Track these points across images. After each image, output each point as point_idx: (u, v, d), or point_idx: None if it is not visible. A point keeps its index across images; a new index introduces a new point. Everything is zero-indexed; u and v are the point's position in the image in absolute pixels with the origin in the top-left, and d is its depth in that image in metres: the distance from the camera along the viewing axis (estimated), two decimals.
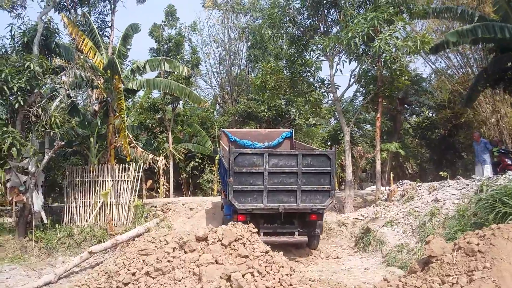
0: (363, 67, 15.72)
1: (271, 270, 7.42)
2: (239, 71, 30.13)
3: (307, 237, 10.44)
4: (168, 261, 7.67)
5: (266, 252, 7.80)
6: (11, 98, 11.86)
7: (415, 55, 14.89)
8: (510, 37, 13.61)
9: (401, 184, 14.28)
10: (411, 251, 9.35)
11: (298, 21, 16.22)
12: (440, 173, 14.55)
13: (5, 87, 11.31)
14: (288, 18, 16.03)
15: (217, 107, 31.38)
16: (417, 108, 27.25)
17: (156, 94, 24.98)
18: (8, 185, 13.06)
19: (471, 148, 18.88)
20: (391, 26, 13.41)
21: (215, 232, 8.29)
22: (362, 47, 14.36)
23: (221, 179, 13.32)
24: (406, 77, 15.19)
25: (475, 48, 21.98)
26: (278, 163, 9.83)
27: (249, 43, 27.91)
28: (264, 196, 9.73)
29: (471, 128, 22.60)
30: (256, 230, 8.45)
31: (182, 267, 7.53)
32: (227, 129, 15.30)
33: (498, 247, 5.62)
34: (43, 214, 12.92)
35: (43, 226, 12.65)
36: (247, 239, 8.20)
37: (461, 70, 24.30)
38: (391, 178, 18.09)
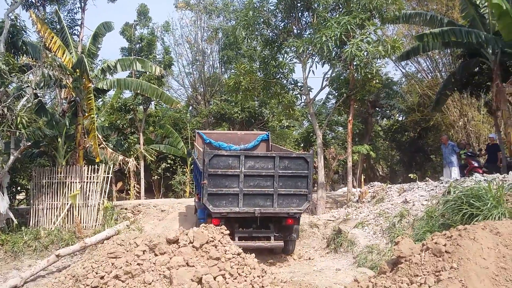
0: (336, 70, 15.88)
1: (242, 272, 7.38)
2: (212, 72, 30.01)
3: (283, 242, 10.15)
4: (138, 264, 7.53)
5: (238, 254, 7.76)
6: None
7: (386, 61, 15.16)
8: (477, 42, 14.00)
9: (371, 186, 14.49)
10: (381, 252, 9.48)
11: (272, 23, 16.25)
12: (409, 175, 14.84)
13: None
14: (262, 19, 16.04)
15: (190, 108, 31.15)
16: (388, 111, 27.70)
17: (127, 94, 24.65)
18: None
19: (439, 151, 19.31)
20: (362, 31, 13.59)
21: (187, 234, 8.19)
22: (335, 50, 14.51)
23: (195, 182, 13.02)
24: (377, 81, 15.43)
25: (444, 53, 22.57)
26: (255, 166, 9.55)
27: (221, 44, 27.84)
28: (239, 199, 9.46)
29: (440, 131, 23.15)
30: (228, 232, 8.38)
31: (153, 270, 7.40)
32: (202, 131, 15.01)
33: (465, 247, 5.73)
34: (11, 215, 12.53)
35: (9, 228, 12.24)
36: (219, 241, 8.13)
37: (430, 74, 24.94)
38: (362, 180, 18.32)
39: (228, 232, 8.33)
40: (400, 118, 28.47)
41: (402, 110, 26.04)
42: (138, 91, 17.09)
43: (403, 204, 11.14)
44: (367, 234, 10.70)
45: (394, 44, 13.66)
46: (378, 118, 28.32)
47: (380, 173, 32.11)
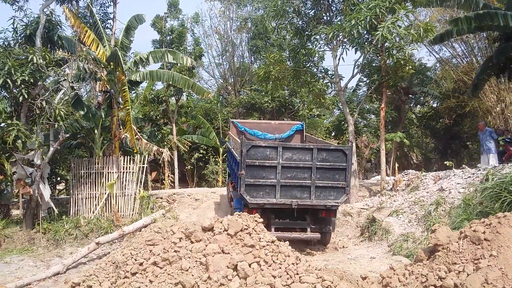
0: (367, 56, 15.64)
1: (277, 259, 7.44)
2: (241, 62, 30.04)
3: (319, 233, 10.07)
4: (175, 251, 7.71)
5: (272, 242, 7.83)
6: (15, 91, 11.84)
7: (418, 44, 14.78)
8: None
9: (406, 174, 14.28)
10: (417, 240, 9.37)
11: (302, 11, 16.12)
12: (445, 162, 14.52)
13: (8, 80, 11.29)
14: (291, 8, 15.94)
15: (220, 98, 31.35)
16: (421, 98, 27.07)
17: (159, 86, 25.03)
18: (14, 177, 13.16)
19: (476, 138, 18.79)
20: (393, 15, 13.32)
21: (221, 222, 8.31)
22: (366, 36, 14.29)
23: (230, 171, 13.01)
24: (410, 67, 15.10)
25: (480, 37, 21.81)
26: (292, 157, 9.47)
27: (251, 34, 27.79)
28: (276, 190, 9.40)
29: (476, 118, 22.50)
30: (261, 220, 8.45)
31: (189, 257, 7.57)
32: (236, 120, 14.99)
33: (505, 235, 5.62)
34: (52, 204, 13.07)
35: (51, 217, 12.72)
36: (253, 229, 8.22)
37: (465, 59, 24.16)
38: (396, 168, 18.02)
39: (262, 220, 8.41)
40: (435, 105, 27.79)
41: (437, 96, 25.39)
42: (170, 83, 17.32)
43: (439, 192, 10.95)
44: (402, 223, 10.59)
45: (426, 27, 13.33)
46: (411, 105, 27.71)
47: (414, 161, 31.52)
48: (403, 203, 11.55)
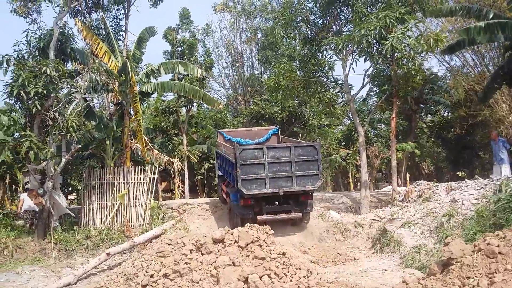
0: (377, 66, 15.63)
1: (288, 272, 7.42)
2: (252, 72, 30.15)
3: (301, 213, 11.90)
4: (186, 263, 7.73)
5: (283, 254, 7.81)
6: (28, 102, 12.00)
7: (429, 54, 14.73)
8: None
9: (417, 184, 14.14)
10: (429, 252, 9.25)
11: (311, 20, 16.20)
12: (457, 173, 14.37)
13: (22, 92, 11.45)
14: (300, 18, 16.03)
15: (230, 108, 31.46)
16: (432, 107, 26.90)
17: (170, 96, 25.20)
18: (26, 187, 13.30)
19: (488, 147, 18.60)
20: (403, 25, 13.32)
21: (232, 234, 8.33)
22: (375, 46, 14.31)
23: (223, 173, 14.38)
24: (421, 77, 15.06)
25: (491, 46, 21.67)
26: (275, 155, 11.50)
27: (260, 44, 27.92)
28: (266, 182, 11.31)
29: (488, 127, 22.27)
30: (272, 232, 8.56)
31: (200, 269, 7.58)
32: (222, 130, 16.95)
33: None
34: (69, 211, 13.34)
35: (62, 228, 12.80)
36: (263, 241, 8.22)
37: (476, 68, 23.99)
38: (407, 178, 17.90)
39: (272, 232, 8.46)
40: (446, 114, 27.58)
41: (448, 105, 25.21)
42: (181, 93, 17.42)
43: (452, 203, 10.82)
44: (414, 234, 10.47)
45: (436, 37, 13.31)
46: (422, 114, 27.54)
47: (425, 171, 31.28)
48: (415, 214, 11.43)
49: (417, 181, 15.04)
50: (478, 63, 23.69)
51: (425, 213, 11.10)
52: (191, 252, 8.04)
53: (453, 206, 10.53)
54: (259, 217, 11.45)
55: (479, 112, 21.62)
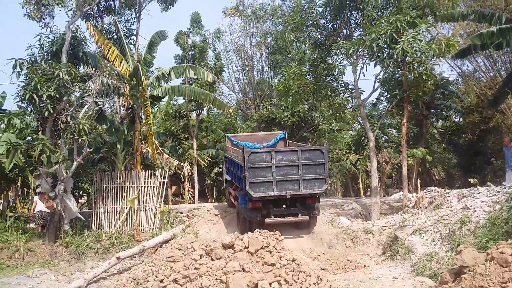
0: (387, 70, 15.56)
1: (298, 278, 7.39)
2: (262, 76, 30.18)
3: (308, 217, 12.08)
4: (195, 268, 7.73)
5: (293, 261, 7.78)
6: (40, 106, 12.11)
7: (440, 59, 14.62)
8: None
9: (428, 191, 14.00)
10: (440, 260, 9.14)
11: (321, 25, 16.18)
12: (469, 179, 14.20)
13: (35, 95, 11.56)
14: (310, 22, 16.01)
15: (240, 112, 31.49)
16: (443, 112, 26.69)
17: (180, 100, 25.30)
18: (37, 190, 13.40)
19: (500, 154, 18.38)
20: (414, 29, 13.25)
21: (242, 239, 8.32)
22: (386, 50, 14.25)
23: (231, 176, 14.56)
24: (432, 81, 14.95)
25: (503, 50, 21.48)
26: (283, 159, 11.65)
27: (269, 48, 27.96)
28: (274, 185, 11.46)
29: (501, 133, 22.03)
30: (281, 237, 8.54)
31: (209, 275, 7.57)
32: (230, 134, 17.10)
33: None
34: (79, 214, 13.42)
35: (73, 231, 12.87)
36: (273, 247, 8.20)
37: (488, 73, 23.78)
38: (418, 185, 17.73)
39: (281, 237, 8.43)
40: (457, 120, 27.34)
41: (459, 111, 25.00)
42: (192, 98, 17.47)
43: (463, 210, 10.69)
44: (425, 242, 10.36)
45: (448, 42, 13.21)
46: (433, 119, 27.35)
47: (436, 177, 31.02)
48: (426, 221, 11.32)
49: (428, 188, 14.90)
50: (490, 67, 23.50)
51: (437, 220, 10.98)
52: (201, 257, 8.04)
53: (465, 214, 10.41)
54: (267, 220, 11.65)
55: (491, 118, 21.41)
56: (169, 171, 15.03)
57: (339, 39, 15.59)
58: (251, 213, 11.86)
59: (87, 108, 13.10)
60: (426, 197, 13.34)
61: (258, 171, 11.48)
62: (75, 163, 12.93)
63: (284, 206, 12.05)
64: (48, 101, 11.81)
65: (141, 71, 13.81)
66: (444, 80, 24.46)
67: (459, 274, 6.31)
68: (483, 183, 14.68)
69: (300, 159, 11.64)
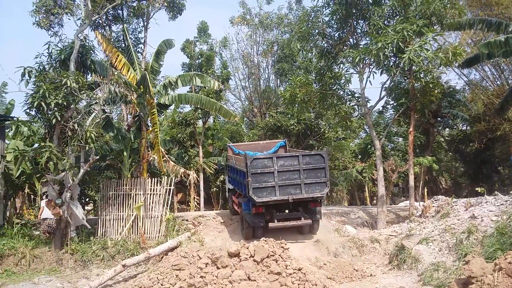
0: (394, 79, 15.55)
1: None
2: (268, 84, 30.21)
3: (311, 220, 12.41)
4: (201, 276, 7.72)
5: (299, 270, 7.75)
6: (48, 113, 12.21)
7: (447, 67, 14.59)
8: None
9: (435, 200, 13.93)
10: (448, 270, 9.05)
11: (328, 33, 16.23)
12: (476, 188, 14.12)
13: (43, 103, 11.68)
14: (317, 31, 16.07)
15: (246, 120, 31.51)
16: (450, 121, 26.58)
17: (186, 108, 25.38)
18: (44, 197, 13.46)
19: (508, 162, 18.27)
20: (421, 38, 13.25)
21: (247, 248, 8.30)
22: (393, 59, 14.26)
23: (234, 185, 14.83)
24: (439, 90, 14.91)
25: (510, 59, 21.43)
26: (284, 164, 11.94)
27: (275, 57, 28.03)
28: (276, 190, 11.72)
29: (508, 142, 21.91)
30: (287, 246, 8.51)
31: (215, 283, 7.55)
32: (232, 144, 17.63)
33: None
34: (85, 222, 13.41)
35: (79, 238, 12.90)
36: (279, 255, 8.18)
37: (496, 82, 23.71)
38: (425, 193, 17.63)
39: (288, 246, 8.40)
40: (464, 128, 27.21)
41: (466, 119, 24.90)
42: (198, 106, 17.53)
43: (471, 220, 10.62)
44: (432, 251, 10.28)
45: (455, 50, 13.20)
46: (440, 128, 27.23)
47: (443, 185, 30.80)
48: (433, 231, 11.24)
49: (435, 197, 14.83)
50: (497, 76, 23.44)
51: (444, 229, 10.91)
52: (206, 266, 8.03)
53: (472, 223, 10.33)
54: (270, 224, 11.84)
55: (498, 127, 21.32)
56: (175, 179, 15.06)
57: (345, 48, 15.64)
58: (254, 218, 12.07)
59: (95, 115, 13.18)
60: (433, 206, 13.27)
61: (261, 176, 11.76)
62: (82, 170, 12.99)
63: (286, 211, 12.28)
64: (56, 108, 11.93)
65: (148, 79, 13.88)
66: (451, 89, 24.41)
67: (467, 284, 6.25)
68: (491, 192, 14.59)
69: (301, 164, 11.92)
